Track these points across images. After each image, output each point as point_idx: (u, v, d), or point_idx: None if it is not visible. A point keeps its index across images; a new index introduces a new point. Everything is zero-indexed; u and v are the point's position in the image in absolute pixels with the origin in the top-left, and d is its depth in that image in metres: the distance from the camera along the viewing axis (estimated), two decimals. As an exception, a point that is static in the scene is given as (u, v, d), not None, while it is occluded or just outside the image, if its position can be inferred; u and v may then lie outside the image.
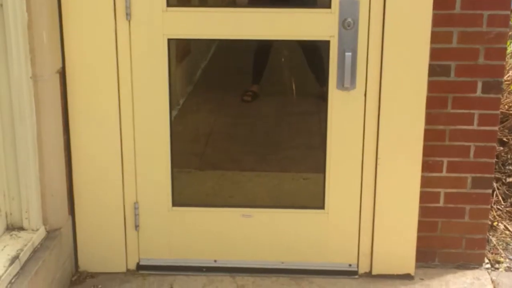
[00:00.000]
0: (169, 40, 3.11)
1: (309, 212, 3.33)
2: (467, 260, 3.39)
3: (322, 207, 3.29)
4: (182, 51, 5.06)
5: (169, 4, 3.05)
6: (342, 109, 3.13)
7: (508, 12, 3.09)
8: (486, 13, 3.05)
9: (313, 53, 4.04)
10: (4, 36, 2.79)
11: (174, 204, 3.31)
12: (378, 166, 3.17)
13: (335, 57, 3.06)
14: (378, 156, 3.16)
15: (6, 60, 2.81)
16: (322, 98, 3.21)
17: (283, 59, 4.95)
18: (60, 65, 3.06)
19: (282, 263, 3.35)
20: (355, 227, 3.29)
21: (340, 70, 3.06)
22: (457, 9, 3.05)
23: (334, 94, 3.12)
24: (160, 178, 3.26)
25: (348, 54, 3.01)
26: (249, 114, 4.87)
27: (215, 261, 3.36)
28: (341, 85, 3.07)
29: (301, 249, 3.34)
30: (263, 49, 4.87)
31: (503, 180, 4.09)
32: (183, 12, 3.11)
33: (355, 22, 3.00)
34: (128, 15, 3.03)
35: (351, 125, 3.16)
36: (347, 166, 3.22)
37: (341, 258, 3.33)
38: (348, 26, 3.01)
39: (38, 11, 2.86)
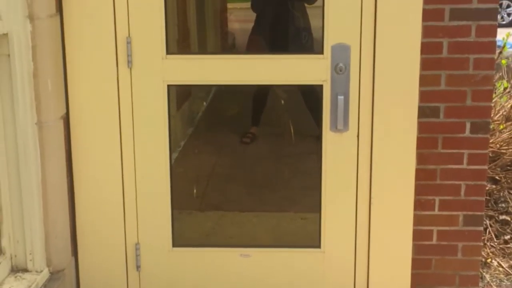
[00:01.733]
0: (168, 86, 3.22)
1: (306, 251, 3.40)
2: (461, 297, 3.46)
3: (319, 246, 3.36)
4: (182, 94, 5.19)
5: (168, 52, 3.17)
6: (336, 150, 3.23)
7: (493, 56, 3.20)
8: (472, 56, 3.16)
9: (310, 95, 4.15)
10: (10, 84, 2.90)
11: (175, 244, 3.38)
12: (371, 205, 3.25)
13: (328, 100, 3.18)
14: (372, 195, 3.25)
15: (12, 107, 2.92)
16: (320, 138, 3.30)
17: (282, 102, 5.06)
18: (64, 111, 3.17)
19: None
20: (351, 264, 3.36)
21: (333, 113, 3.17)
22: (445, 53, 3.16)
23: (328, 136, 3.22)
24: (161, 219, 3.34)
25: (341, 98, 3.12)
26: (248, 155, 4.96)
27: None
28: (334, 127, 3.18)
29: (299, 286, 3.40)
30: (261, 92, 4.99)
31: (496, 218, 4.16)
32: (182, 59, 3.23)
33: (347, 67, 3.12)
34: (129, 62, 3.15)
35: (345, 165, 3.25)
36: (341, 206, 3.30)
37: None
38: (340, 70, 3.13)
39: (43, 60, 2.98)
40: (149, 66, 3.17)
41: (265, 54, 3.29)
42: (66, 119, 3.19)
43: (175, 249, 3.38)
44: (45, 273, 3.11)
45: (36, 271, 3.07)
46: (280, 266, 3.40)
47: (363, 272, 3.34)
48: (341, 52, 3.13)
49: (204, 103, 5.59)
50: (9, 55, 2.88)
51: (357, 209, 3.30)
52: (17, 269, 3.08)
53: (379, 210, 3.26)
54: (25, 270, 3.08)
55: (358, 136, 3.21)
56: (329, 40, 3.13)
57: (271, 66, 3.21)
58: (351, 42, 3.12)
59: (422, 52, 3.11)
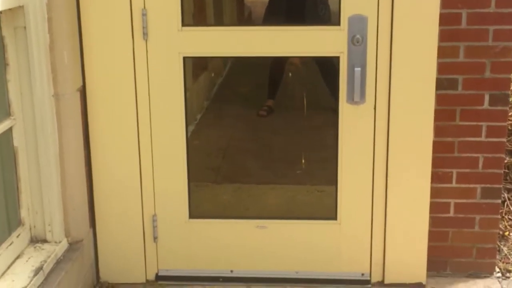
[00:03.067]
0: (184, 58, 3.22)
1: (322, 222, 3.41)
2: (478, 269, 3.46)
3: (335, 218, 3.37)
4: (198, 67, 5.19)
5: (184, 24, 3.17)
6: (352, 123, 3.23)
7: (513, 27, 3.17)
8: (491, 28, 3.13)
9: (327, 67, 4.13)
10: (27, 56, 2.91)
11: (191, 216, 3.40)
12: (388, 178, 3.25)
13: (344, 72, 3.16)
14: (388, 168, 3.24)
15: (29, 79, 2.93)
16: (336, 111, 3.30)
17: (290, 74, 5.04)
18: (80, 83, 3.18)
19: (297, 272, 3.43)
20: (367, 237, 3.36)
21: (349, 85, 3.16)
22: (463, 25, 3.13)
23: (345, 108, 3.21)
24: (177, 191, 3.36)
25: (357, 69, 3.11)
26: (264, 128, 4.96)
27: (231, 271, 3.45)
28: (351, 99, 3.17)
29: (315, 259, 3.42)
30: (278, 65, 4.97)
31: (514, 191, 4.14)
32: (197, 31, 3.22)
33: (364, 39, 3.10)
34: (145, 34, 3.15)
35: (362, 138, 3.25)
36: (358, 178, 3.30)
37: (354, 268, 3.41)
38: (357, 42, 3.11)
39: (60, 33, 2.98)
40: (164, 38, 3.17)
41: (281, 26, 3.26)
42: (83, 91, 3.20)
43: (192, 220, 3.41)
44: (64, 244, 3.14)
45: (55, 242, 3.11)
46: (296, 238, 3.41)
47: (379, 243, 3.35)
48: (358, 23, 3.10)
49: (220, 76, 5.59)
50: (25, 28, 2.88)
51: (373, 181, 3.30)
52: (36, 240, 3.12)
53: (396, 183, 3.25)
54: (44, 241, 3.11)
55: (375, 108, 3.19)
56: (346, 12, 3.11)
57: (288, 38, 3.19)
58: (368, 13, 3.10)
59: (440, 23, 3.07)
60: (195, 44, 3.20)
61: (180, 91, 3.25)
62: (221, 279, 3.44)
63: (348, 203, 3.34)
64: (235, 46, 3.21)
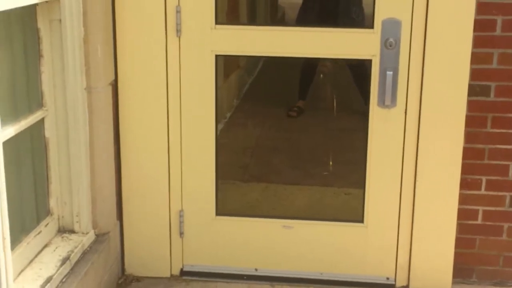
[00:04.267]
0: (216, 56, 3.23)
1: (349, 225, 3.40)
2: (505, 278, 3.41)
3: (362, 221, 3.36)
4: (231, 66, 5.21)
5: (217, 22, 3.18)
6: (383, 126, 3.21)
7: (549, 34, 3.12)
8: (527, 35, 3.10)
9: (359, 70, 4.13)
10: (61, 49, 2.94)
11: (218, 213, 3.41)
12: (417, 182, 3.23)
13: (376, 75, 3.15)
14: (417, 172, 3.22)
15: (63, 72, 2.96)
16: (366, 114, 3.28)
17: (321, 76, 5.03)
18: (113, 77, 3.21)
19: (321, 274, 3.42)
20: (394, 242, 3.35)
21: (381, 88, 3.14)
22: (498, 31, 3.10)
23: (375, 112, 3.20)
24: (205, 187, 3.37)
25: (389, 73, 3.10)
26: (294, 128, 4.97)
27: (255, 269, 3.45)
28: (382, 102, 3.16)
29: (340, 261, 3.41)
30: (309, 66, 4.97)
31: (544, 201, 4.08)
32: (231, 30, 3.23)
33: (397, 42, 3.09)
34: (178, 31, 3.17)
35: (391, 141, 3.23)
36: (386, 182, 3.28)
37: (379, 271, 3.39)
38: (390, 46, 3.09)
39: (94, 26, 3.01)
40: (197, 35, 3.19)
41: (314, 27, 3.25)
42: (115, 86, 3.23)
43: (218, 217, 3.42)
44: (91, 235, 3.17)
45: (82, 233, 3.14)
46: (322, 239, 3.40)
47: (405, 248, 3.33)
48: (392, 26, 3.09)
49: (252, 75, 5.60)
50: (60, 21, 2.92)
51: (402, 185, 3.28)
52: (64, 230, 3.15)
53: (425, 187, 3.23)
54: (72, 231, 3.15)
55: (405, 112, 3.18)
56: (380, 15, 3.10)
57: (320, 39, 3.19)
58: (402, 17, 3.08)
59: (475, 29, 3.05)
60: (228, 43, 3.22)
61: (211, 89, 3.26)
62: (245, 277, 3.44)
63: (375, 207, 3.32)
64: (267, 46, 3.22)
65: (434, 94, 3.12)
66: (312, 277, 3.43)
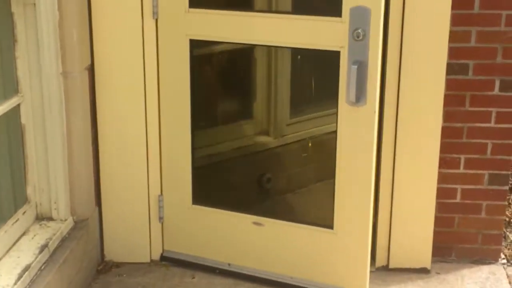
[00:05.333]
0: (191, 40, 3.14)
1: (318, 230, 3.17)
2: (483, 256, 3.45)
3: (332, 227, 3.11)
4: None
5: (191, 5, 3.09)
6: (351, 124, 2.94)
7: (526, 12, 3.14)
8: (504, 12, 3.10)
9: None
10: (36, 34, 2.89)
11: (194, 202, 3.35)
12: (396, 161, 3.23)
13: (344, 69, 2.87)
14: (396, 151, 3.23)
15: (38, 57, 2.91)
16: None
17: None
18: (89, 61, 3.16)
19: (291, 278, 3.26)
20: (365, 250, 3.07)
21: (348, 84, 2.86)
22: (476, 9, 3.11)
23: (344, 109, 2.93)
24: (182, 174, 3.32)
25: (354, 67, 2.80)
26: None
27: (229, 264, 3.36)
28: (349, 99, 2.87)
29: (311, 267, 3.22)
30: None
31: (522, 178, 4.13)
32: (203, 13, 3.10)
33: (366, 33, 2.80)
34: (155, 14, 3.12)
35: (361, 141, 2.95)
36: (356, 189, 3.01)
37: (349, 283, 3.14)
38: (357, 37, 2.82)
39: (69, 10, 2.96)
40: (173, 18, 3.13)
41: (279, 14, 3.09)
42: (91, 70, 3.19)
43: (194, 206, 3.36)
44: (69, 222, 3.14)
45: (61, 220, 3.11)
46: (293, 241, 3.23)
47: (385, 228, 3.34)
48: (361, 16, 2.79)
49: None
50: (35, 4, 2.87)
51: (380, 174, 3.26)
52: (42, 218, 3.12)
53: (403, 168, 3.24)
54: (50, 219, 3.12)
55: (381, 110, 3.08)
56: (348, 2, 2.81)
57: (288, 27, 2.99)
58: (371, 5, 2.77)
59: (453, 7, 3.05)
60: (201, 27, 3.12)
61: (186, 75, 3.18)
62: (217, 271, 3.36)
63: (345, 213, 3.07)
64: (237, 32, 3.07)
65: (412, 74, 3.12)
66: (282, 281, 3.26)
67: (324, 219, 3.17)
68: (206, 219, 3.37)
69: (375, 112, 2.87)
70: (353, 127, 2.94)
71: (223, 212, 3.35)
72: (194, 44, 3.18)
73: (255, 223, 3.28)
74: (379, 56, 2.81)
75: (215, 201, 3.40)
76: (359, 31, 2.79)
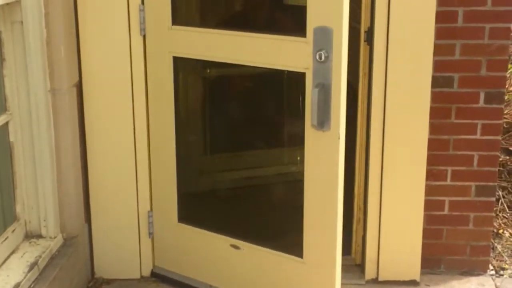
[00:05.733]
0: (174, 57, 3.13)
1: (288, 258, 3.04)
2: (472, 267, 3.47)
3: (301, 256, 2.97)
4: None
5: (174, 22, 3.08)
6: (317, 149, 2.77)
7: (509, 25, 3.18)
8: (487, 26, 3.14)
9: None
10: (24, 51, 2.90)
11: (179, 220, 3.33)
12: (383, 173, 3.25)
13: (310, 91, 2.70)
14: (383, 165, 3.24)
15: (26, 75, 2.92)
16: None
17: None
18: (77, 78, 3.17)
19: None
20: (333, 280, 2.87)
21: (313, 108, 2.67)
22: (460, 22, 3.15)
23: (310, 133, 2.76)
24: (169, 191, 3.31)
25: (315, 90, 2.64)
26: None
27: (210, 286, 3.33)
28: (314, 123, 2.69)
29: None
30: None
31: (509, 189, 4.16)
32: (185, 31, 3.09)
33: (329, 55, 2.62)
34: (142, 30, 3.14)
35: (328, 167, 2.75)
36: (325, 215, 2.82)
37: None
38: (320, 58, 2.65)
39: (56, 27, 2.97)
40: (158, 35, 3.13)
41: (247, 32, 2.95)
42: (79, 87, 3.20)
43: (180, 224, 3.34)
44: (59, 239, 3.14)
45: (50, 237, 3.10)
46: (267, 267, 3.12)
47: (374, 240, 3.35)
48: (324, 36, 2.62)
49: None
50: (22, 22, 2.88)
51: (367, 186, 3.28)
52: (31, 235, 3.11)
53: (391, 180, 3.25)
54: (39, 236, 3.11)
55: (342, 136, 2.72)
56: (312, 21, 2.65)
57: (253, 45, 2.90)
58: (333, 25, 2.59)
59: (436, 21, 3.08)
60: (183, 45, 3.09)
61: (170, 93, 3.17)
62: None
63: (313, 242, 2.90)
64: (215, 50, 3.02)
65: (398, 87, 3.15)
66: None
67: (293, 247, 3.02)
68: (190, 238, 3.34)
69: (339, 138, 2.68)
70: (318, 154, 2.77)
71: (204, 233, 3.29)
72: (178, 62, 3.17)
73: (232, 245, 3.20)
74: (343, 79, 2.63)
75: (198, 221, 3.35)
76: (322, 52, 2.63)
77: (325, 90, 2.64)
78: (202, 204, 3.70)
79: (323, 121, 2.67)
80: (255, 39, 2.91)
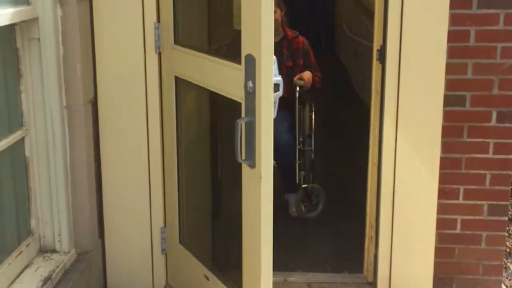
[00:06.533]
0: (176, 77, 3.13)
1: None
2: (484, 286, 3.45)
3: None
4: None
5: (176, 42, 3.08)
6: (246, 184, 2.61)
7: (522, 45, 3.19)
8: (499, 45, 3.16)
9: None
10: (40, 68, 2.94)
11: (180, 241, 3.34)
12: (395, 192, 3.26)
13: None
14: (396, 184, 3.25)
15: (42, 91, 2.96)
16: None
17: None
18: (92, 95, 3.21)
19: None
20: None
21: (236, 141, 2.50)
22: (472, 42, 3.17)
23: (244, 167, 2.58)
24: (173, 211, 3.32)
25: (238, 122, 2.46)
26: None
27: None
28: (237, 158, 2.52)
29: None
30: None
31: (522, 208, 4.15)
32: (182, 52, 3.06)
33: (254, 86, 2.41)
34: (157, 48, 3.17)
35: (253, 200, 2.55)
36: (253, 250, 2.61)
37: None
38: (248, 89, 2.44)
39: (73, 45, 3.02)
40: (166, 54, 3.16)
41: (196, 51, 2.92)
42: (94, 103, 3.23)
43: (179, 245, 3.34)
44: (73, 254, 3.16)
45: (64, 252, 3.12)
46: None
47: (386, 258, 3.35)
48: (251, 65, 2.40)
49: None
50: (39, 39, 2.92)
51: (380, 200, 3.28)
52: (45, 250, 3.13)
53: (403, 198, 3.26)
54: (53, 251, 3.13)
55: (266, 175, 2.47)
56: (245, 48, 2.45)
57: (202, 67, 2.88)
58: (256, 53, 2.37)
59: (448, 40, 3.11)
60: (180, 65, 3.07)
61: (172, 112, 3.18)
62: None
63: (250, 280, 2.69)
64: (191, 72, 2.97)
65: (410, 105, 3.16)
66: None
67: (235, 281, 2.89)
68: (184, 259, 3.33)
69: (260, 177, 2.44)
70: (248, 189, 2.60)
71: (191, 258, 3.26)
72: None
73: (205, 276, 3.13)
74: (267, 115, 2.39)
75: (191, 245, 3.32)
76: (249, 82, 2.41)
77: (250, 125, 2.43)
78: (194, 229, 3.58)
79: (249, 158, 2.47)
80: (204, 61, 2.86)
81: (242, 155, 2.49)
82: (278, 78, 2.48)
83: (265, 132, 2.40)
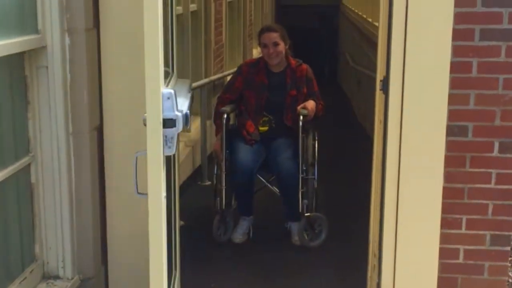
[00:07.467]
0: None
1: None
2: (487, 316, 3.45)
3: None
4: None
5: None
6: None
7: (523, 76, 3.22)
8: (501, 76, 3.18)
9: None
10: (48, 95, 2.98)
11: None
12: (398, 222, 3.26)
13: None
14: (398, 213, 3.25)
15: (49, 118, 3.00)
16: None
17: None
18: (98, 122, 3.24)
19: None
20: None
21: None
22: (474, 73, 3.19)
23: None
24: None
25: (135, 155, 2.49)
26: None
27: None
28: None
29: None
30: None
31: (524, 239, 4.14)
32: None
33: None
34: (162, 76, 3.21)
35: None
36: None
37: None
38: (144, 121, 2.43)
39: (80, 73, 3.06)
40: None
41: None
42: (100, 130, 3.26)
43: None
44: (76, 281, 3.16)
45: (67, 278, 3.14)
46: None
47: (388, 287, 3.35)
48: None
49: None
50: (47, 67, 2.96)
51: (382, 225, 3.29)
52: (48, 276, 3.15)
53: (406, 227, 3.26)
54: (57, 277, 3.15)
55: None
56: None
57: None
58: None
59: (451, 71, 3.14)
60: None
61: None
62: None
63: None
64: None
65: (413, 135, 3.17)
66: None
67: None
68: None
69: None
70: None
71: None
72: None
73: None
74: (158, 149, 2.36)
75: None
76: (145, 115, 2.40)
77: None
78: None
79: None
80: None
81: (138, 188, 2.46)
82: (176, 113, 2.34)
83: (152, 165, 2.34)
